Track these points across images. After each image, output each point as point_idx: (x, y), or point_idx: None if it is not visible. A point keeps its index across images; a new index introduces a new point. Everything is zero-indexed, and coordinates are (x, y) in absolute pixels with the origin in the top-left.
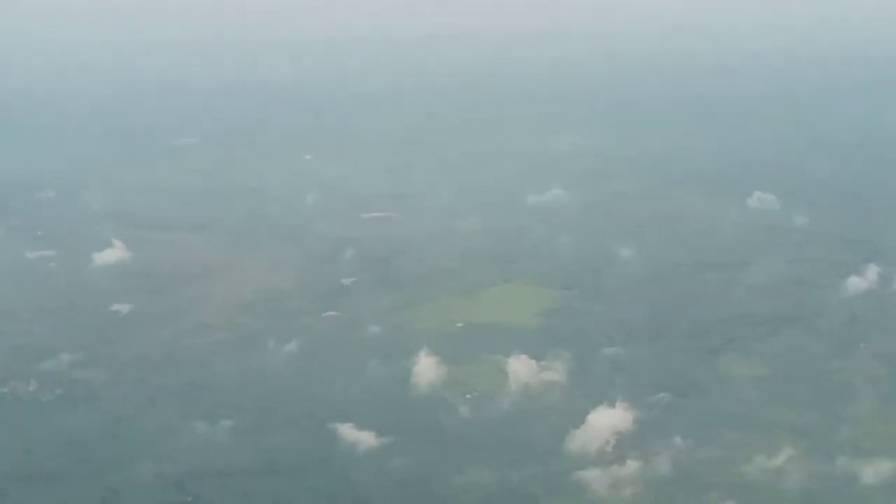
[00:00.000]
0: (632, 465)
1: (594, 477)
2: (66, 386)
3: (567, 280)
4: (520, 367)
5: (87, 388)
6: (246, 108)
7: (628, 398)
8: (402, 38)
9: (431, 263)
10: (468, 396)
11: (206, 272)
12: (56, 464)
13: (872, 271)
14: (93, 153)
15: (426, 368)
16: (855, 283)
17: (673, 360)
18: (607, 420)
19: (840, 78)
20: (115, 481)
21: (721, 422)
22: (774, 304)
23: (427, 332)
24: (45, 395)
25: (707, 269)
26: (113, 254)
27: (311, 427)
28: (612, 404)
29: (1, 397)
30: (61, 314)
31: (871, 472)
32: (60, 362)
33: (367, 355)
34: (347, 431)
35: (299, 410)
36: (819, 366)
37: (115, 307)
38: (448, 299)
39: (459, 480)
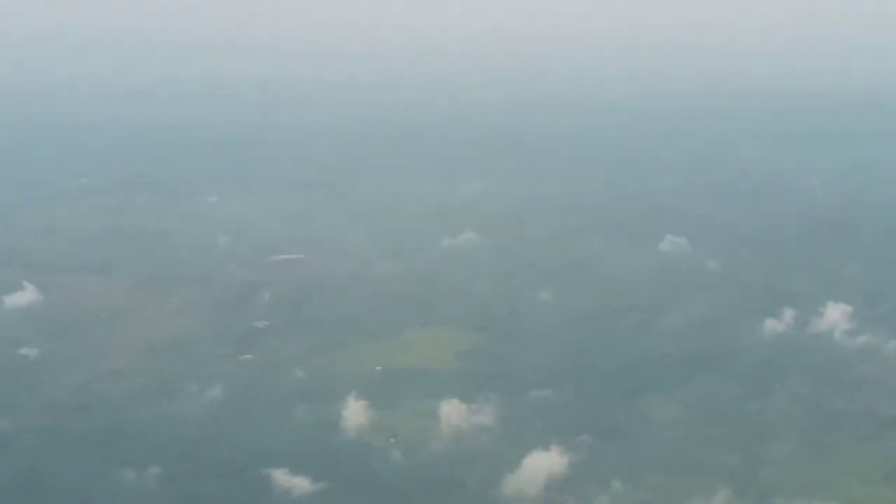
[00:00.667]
0: None
1: None
2: None
3: (483, 322)
4: (451, 411)
5: (4, 435)
6: (145, 150)
7: (560, 442)
8: (307, 80)
9: (345, 307)
10: (392, 440)
11: (113, 316)
12: None
13: (788, 314)
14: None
15: (355, 413)
16: (770, 326)
17: (597, 403)
18: (543, 463)
19: (736, 125)
20: None
21: (651, 465)
22: (692, 347)
23: (348, 376)
24: None
25: (624, 313)
26: (22, 297)
27: (244, 473)
28: (546, 448)
29: None
30: None
31: None
32: None
33: (293, 400)
34: (281, 477)
35: (229, 456)
36: (738, 408)
37: (23, 351)
38: (365, 343)
39: None
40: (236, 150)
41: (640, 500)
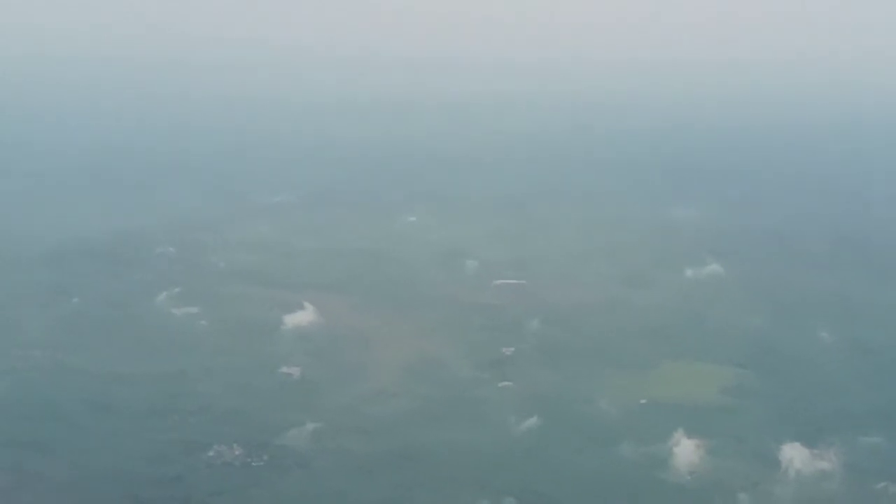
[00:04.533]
0: None
1: None
2: (271, 452)
3: (739, 358)
4: (793, 455)
5: (295, 454)
6: (335, 168)
7: None
8: (501, 101)
9: (591, 336)
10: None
11: (358, 335)
12: None
13: None
14: (200, 207)
15: (687, 451)
16: None
17: None
18: None
19: None
20: None
21: None
22: None
23: (615, 409)
24: (254, 460)
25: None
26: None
27: None
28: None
29: (208, 462)
30: (232, 375)
31: None
32: (252, 425)
33: (605, 434)
34: None
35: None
36: None
37: (285, 369)
38: (620, 374)
39: None
40: (425, 170)
41: None
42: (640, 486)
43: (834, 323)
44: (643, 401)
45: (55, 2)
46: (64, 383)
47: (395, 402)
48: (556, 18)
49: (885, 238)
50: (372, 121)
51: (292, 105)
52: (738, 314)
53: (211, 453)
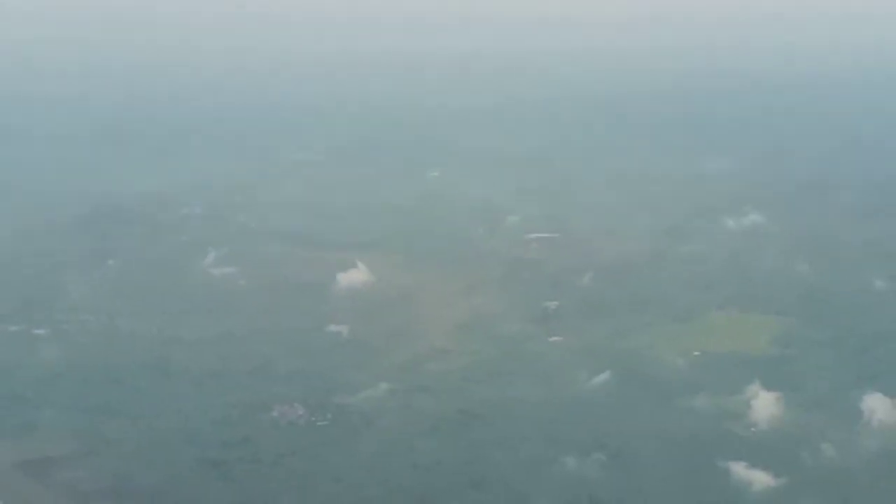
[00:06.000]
0: None
1: None
2: (333, 411)
3: (782, 307)
4: (875, 405)
5: (359, 413)
6: (351, 124)
7: None
8: (510, 52)
9: (633, 288)
10: (752, 430)
11: (401, 292)
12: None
13: None
14: (223, 168)
15: (765, 403)
16: None
17: None
18: None
19: None
20: None
21: None
22: None
23: (673, 360)
24: (318, 419)
25: None
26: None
27: (695, 464)
28: None
29: (273, 422)
30: (282, 335)
31: None
32: (309, 385)
33: (674, 387)
34: (741, 471)
35: (664, 445)
36: None
37: (332, 328)
38: (668, 326)
39: None
40: (443, 124)
41: None
42: (723, 440)
43: (886, 271)
44: (696, 352)
45: None
46: (119, 347)
47: (451, 358)
48: None
49: None
50: (384, 78)
51: (305, 63)
52: (783, 263)
53: (274, 413)
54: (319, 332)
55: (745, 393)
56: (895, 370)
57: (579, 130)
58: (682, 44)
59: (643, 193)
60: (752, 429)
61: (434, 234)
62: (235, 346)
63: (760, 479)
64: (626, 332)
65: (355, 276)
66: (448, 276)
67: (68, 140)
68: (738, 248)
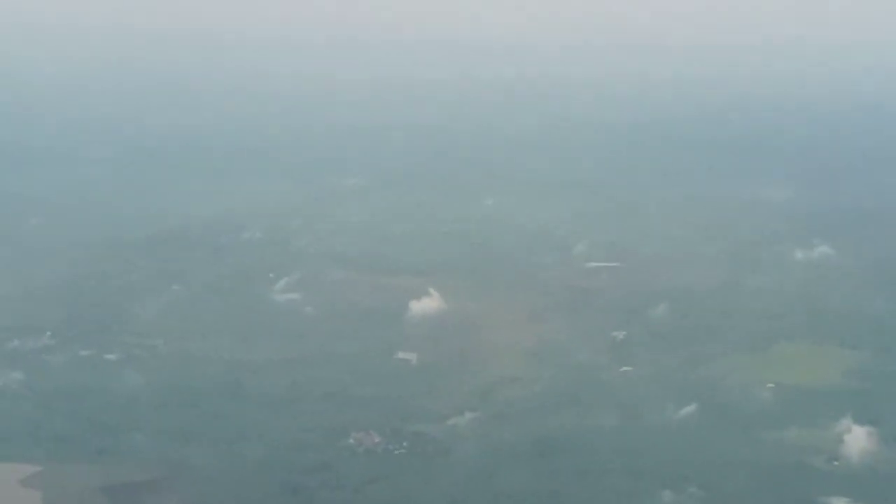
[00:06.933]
0: None
1: None
2: (409, 438)
3: (851, 340)
4: None
5: (434, 441)
6: (400, 150)
7: None
8: (549, 79)
9: (698, 317)
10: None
11: (468, 319)
12: None
13: None
14: (277, 192)
15: (858, 438)
16: None
17: None
18: None
19: None
20: None
21: None
22: None
23: (744, 393)
24: (395, 447)
25: None
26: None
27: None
28: None
29: (350, 449)
30: (349, 361)
31: None
32: (383, 412)
33: (761, 419)
34: None
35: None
36: None
37: (401, 355)
38: (737, 356)
39: None
40: (495, 151)
41: None
42: (817, 474)
43: None
44: (770, 384)
45: None
46: (191, 371)
47: (522, 386)
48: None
49: None
50: (430, 104)
51: (351, 88)
52: (853, 295)
53: (350, 440)
54: (389, 359)
55: (835, 427)
56: None
57: (629, 155)
58: (733, 71)
59: (701, 220)
60: (836, 462)
61: (495, 261)
62: (305, 372)
63: None
64: (696, 362)
65: (428, 303)
66: (512, 303)
67: (125, 163)
68: (807, 278)
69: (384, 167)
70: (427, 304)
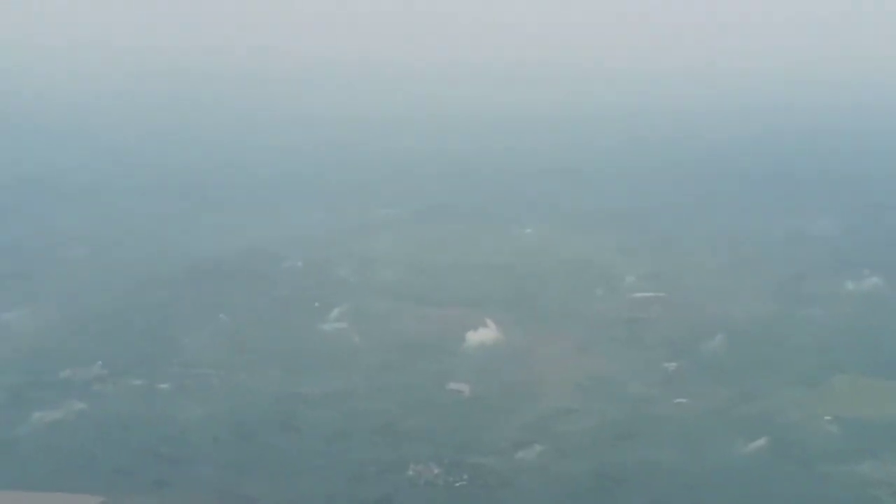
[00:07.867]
0: None
1: None
2: (469, 471)
3: None
4: None
5: (494, 473)
6: (436, 181)
7: None
8: (597, 113)
9: (750, 350)
10: None
11: (517, 351)
12: None
13: None
14: (314, 222)
15: None
16: None
17: None
18: None
19: None
20: None
21: None
22: None
23: (801, 426)
24: (455, 479)
25: None
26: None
27: None
28: None
29: (410, 482)
30: (401, 393)
31: None
32: (440, 444)
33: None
34: None
35: None
36: None
37: (453, 386)
38: (791, 390)
39: None
40: (526, 180)
41: None
42: None
43: None
44: (827, 417)
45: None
46: (243, 402)
47: (577, 419)
48: (661, 27)
49: None
50: (463, 134)
51: (383, 119)
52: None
53: (410, 473)
54: (441, 390)
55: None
56: None
57: (668, 186)
58: (770, 101)
59: (746, 251)
60: None
61: (540, 292)
62: (357, 403)
63: None
64: (751, 395)
65: (485, 334)
66: (561, 335)
67: (165, 194)
68: (859, 310)
69: (418, 198)
70: (483, 336)
